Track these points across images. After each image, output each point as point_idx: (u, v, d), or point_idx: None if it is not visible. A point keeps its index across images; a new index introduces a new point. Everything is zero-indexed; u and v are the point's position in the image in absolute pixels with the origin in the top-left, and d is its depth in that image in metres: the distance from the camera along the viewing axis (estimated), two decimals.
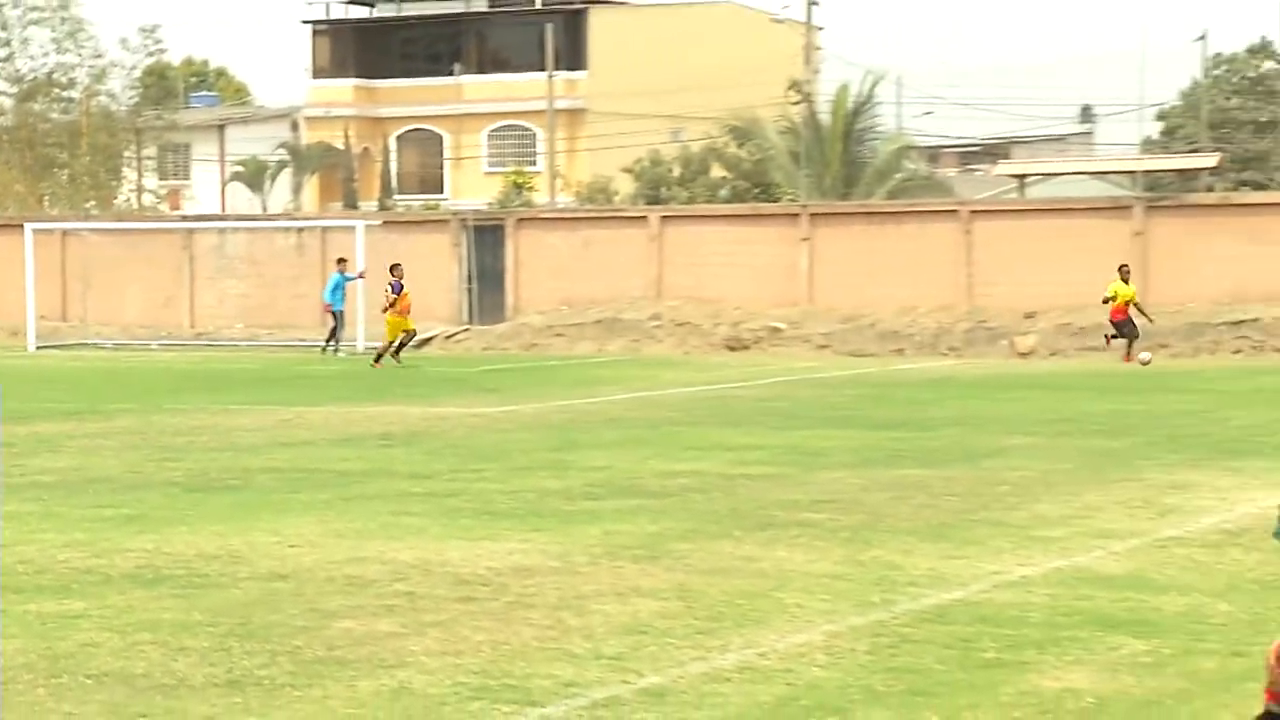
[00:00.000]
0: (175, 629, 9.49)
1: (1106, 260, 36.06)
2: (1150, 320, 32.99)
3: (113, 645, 9.05)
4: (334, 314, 37.44)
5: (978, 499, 14.44)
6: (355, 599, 10.34)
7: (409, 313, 33.19)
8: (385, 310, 33.31)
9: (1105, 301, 32.61)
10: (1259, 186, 62.21)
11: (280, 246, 43.25)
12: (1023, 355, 35.27)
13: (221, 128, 74.38)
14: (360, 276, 38.19)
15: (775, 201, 47.35)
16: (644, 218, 40.95)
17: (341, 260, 38.26)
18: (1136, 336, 32.35)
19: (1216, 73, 71.44)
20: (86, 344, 42.60)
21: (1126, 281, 32.55)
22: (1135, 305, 32.49)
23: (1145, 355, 31.48)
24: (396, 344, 33.10)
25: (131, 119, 64.93)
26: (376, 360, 32.89)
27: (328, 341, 37.43)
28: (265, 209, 65.99)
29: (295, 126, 73.61)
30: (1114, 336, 32.70)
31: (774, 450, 18.22)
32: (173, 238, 44.80)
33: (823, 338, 37.09)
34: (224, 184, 71.34)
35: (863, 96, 47.64)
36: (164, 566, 11.40)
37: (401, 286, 33.11)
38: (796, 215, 39.32)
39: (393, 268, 33.88)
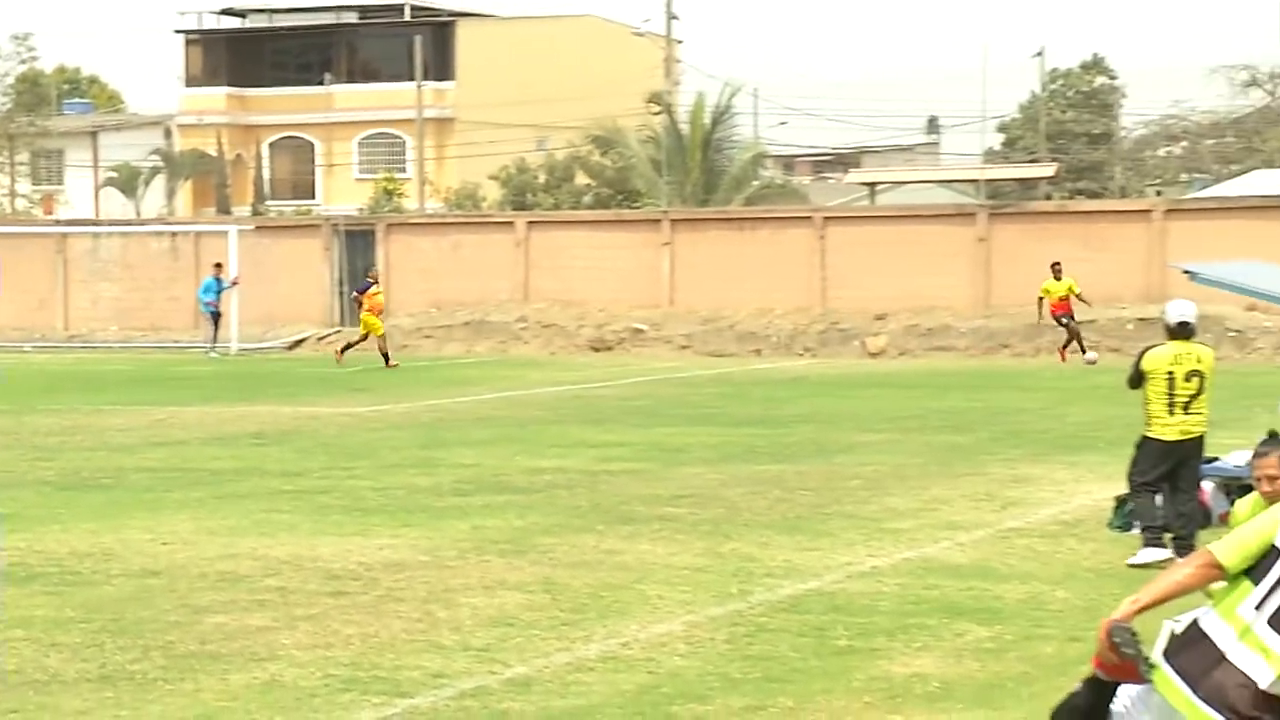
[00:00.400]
0: (48, 625, 9.31)
1: (952, 264, 36.53)
2: (1088, 304, 31.99)
3: None
4: (211, 316, 37.00)
5: (831, 493, 14.55)
6: (227, 594, 10.21)
7: (380, 313, 33.25)
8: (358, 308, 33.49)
9: (1040, 301, 31.72)
10: (1093, 195, 63.40)
11: (154, 250, 42.58)
12: (874, 355, 35.63)
13: (95, 134, 73.08)
14: (234, 283, 37.71)
15: (638, 208, 47.43)
16: (511, 223, 40.82)
17: (218, 265, 37.79)
18: (1078, 334, 31.54)
19: (1053, 87, 72.72)
20: None
21: (1058, 278, 31.56)
22: (1077, 296, 31.37)
23: (1091, 355, 30.70)
24: (347, 344, 33.13)
25: (4, 125, 63.65)
26: (341, 352, 33.23)
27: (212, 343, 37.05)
28: (139, 214, 64.95)
29: (168, 134, 72.54)
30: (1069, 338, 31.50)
31: (636, 447, 18.25)
32: (46, 241, 43.95)
33: (683, 339, 37.21)
34: (98, 189, 70.12)
35: (721, 107, 47.86)
36: (37, 564, 11.18)
37: (369, 285, 33.27)
38: (658, 221, 39.40)
39: (367, 269, 35.04)
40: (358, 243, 41.45)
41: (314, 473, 16.16)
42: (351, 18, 71.46)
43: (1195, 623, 4.96)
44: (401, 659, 8.67)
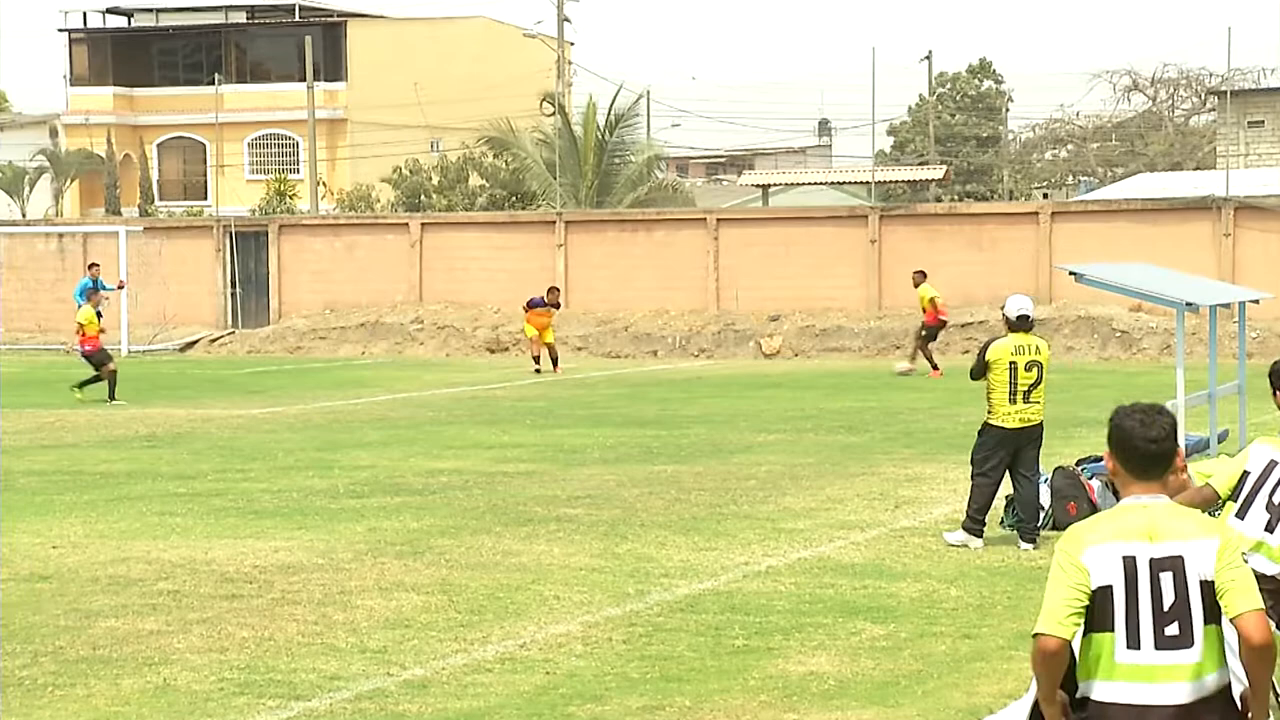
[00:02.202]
0: None
1: (845, 266, 36.80)
2: (938, 317, 29.85)
3: None
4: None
5: (727, 493, 14.61)
6: (119, 598, 10.08)
7: (542, 328, 31.05)
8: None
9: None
10: (981, 197, 64.19)
11: (41, 251, 41.94)
12: (768, 356, 35.82)
13: None
14: (120, 286, 37.10)
15: (532, 209, 47.37)
16: (405, 224, 40.62)
17: (93, 265, 37.13)
18: (923, 346, 29.41)
19: (941, 91, 73.49)
20: None
21: (917, 285, 30.01)
22: (932, 307, 29.40)
23: (902, 365, 29.49)
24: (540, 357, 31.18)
25: None
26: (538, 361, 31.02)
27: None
28: (24, 215, 63.97)
29: (54, 133, 71.48)
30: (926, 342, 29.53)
31: (533, 448, 18.23)
32: None
33: (579, 339, 37.21)
34: None
35: (619, 110, 47.91)
36: None
37: (541, 303, 31.05)
38: (552, 222, 39.38)
39: (551, 289, 31.94)
40: (249, 244, 41.09)
41: (208, 475, 16.00)
42: (240, 17, 70.85)
43: None
44: (297, 662, 8.60)
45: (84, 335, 24.84)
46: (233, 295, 40.77)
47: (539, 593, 10.26)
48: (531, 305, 31.39)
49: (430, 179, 56.03)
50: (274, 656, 8.70)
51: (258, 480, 15.61)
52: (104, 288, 36.59)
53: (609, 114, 48.11)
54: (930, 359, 29.06)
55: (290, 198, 59.07)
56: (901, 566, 11.24)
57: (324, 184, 59.84)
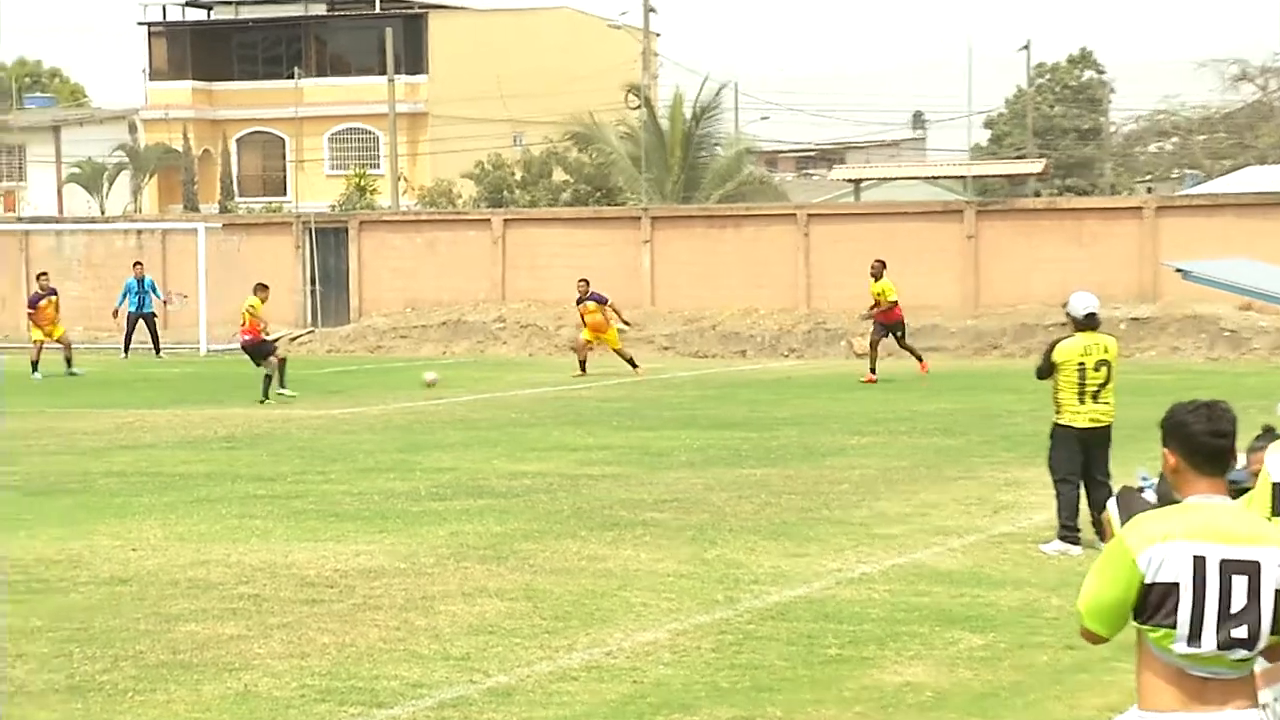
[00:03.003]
0: (14, 635, 9.26)
1: (940, 263, 36.56)
2: (873, 314, 27.73)
3: None
4: (142, 317, 36.55)
5: (819, 497, 14.55)
6: (199, 602, 10.18)
7: (598, 330, 29.77)
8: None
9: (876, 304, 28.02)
10: (1082, 192, 63.56)
11: (119, 249, 42.45)
12: (860, 356, 35.64)
13: (57, 129, 72.84)
14: (166, 302, 37.37)
15: (617, 205, 47.42)
16: (487, 221, 40.78)
17: (137, 264, 37.51)
18: (874, 347, 27.87)
19: (1040, 81, 72.87)
20: None
21: (876, 278, 27.88)
22: (882, 304, 27.75)
23: (430, 375, 26.62)
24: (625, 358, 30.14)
25: None
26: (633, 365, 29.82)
27: (155, 346, 36.67)
28: (103, 212, 64.77)
29: (133, 129, 72.34)
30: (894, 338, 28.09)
31: (618, 450, 18.24)
32: (8, 240, 43.81)
33: (665, 339, 37.19)
34: (60, 186, 69.89)
35: (704, 102, 47.87)
36: (1, 572, 11.13)
37: (602, 298, 29.86)
38: (638, 218, 39.39)
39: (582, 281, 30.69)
40: (329, 240, 41.39)
41: (288, 477, 16.13)
42: (320, 9, 71.37)
43: None
44: (379, 668, 8.64)
45: (248, 324, 25.03)
46: (312, 293, 41.09)
47: (625, 599, 10.26)
48: (598, 301, 30.18)
49: (513, 174, 56.23)
50: (355, 663, 8.75)
51: (338, 482, 15.72)
52: (154, 289, 36.86)
53: (695, 106, 48.09)
54: (874, 362, 27.55)
55: (370, 193, 59.48)
56: (1000, 574, 11.15)
57: (405, 179, 60.21)
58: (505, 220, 40.57)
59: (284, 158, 70.71)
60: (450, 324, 38.99)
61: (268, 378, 24.84)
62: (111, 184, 68.76)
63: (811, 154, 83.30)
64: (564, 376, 29.13)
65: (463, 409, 23.82)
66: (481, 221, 40.91)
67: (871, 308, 28.40)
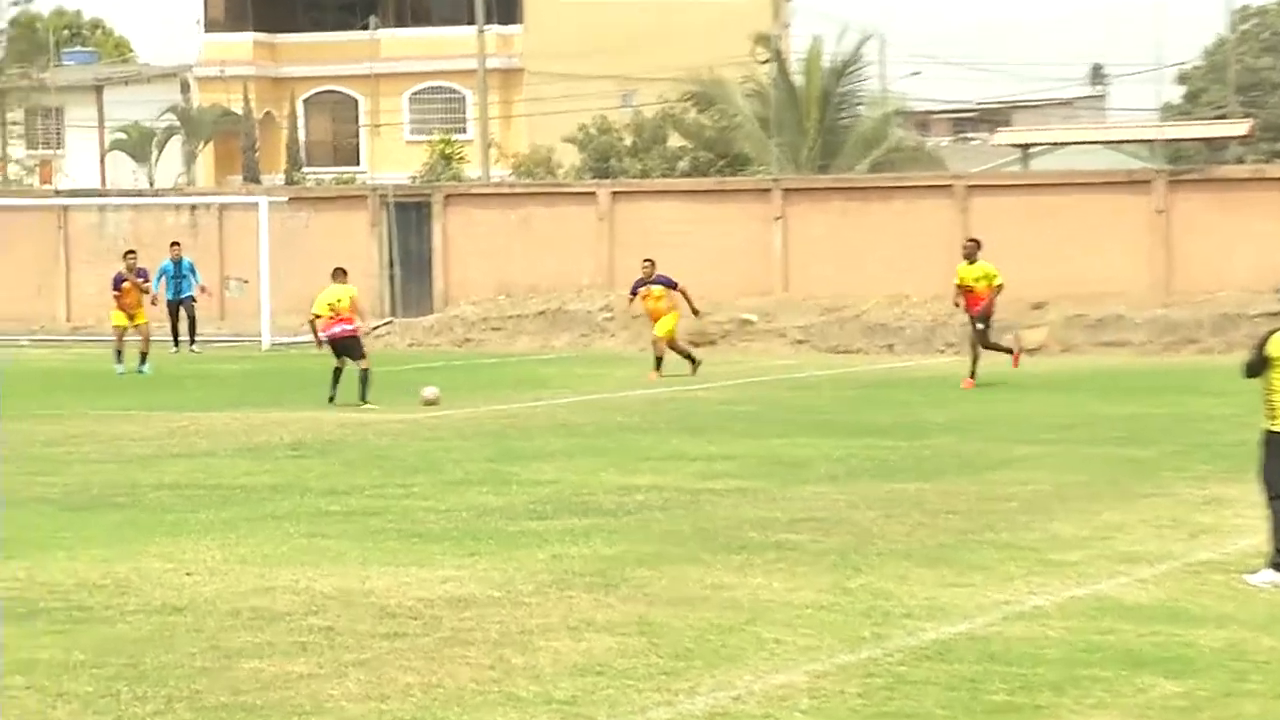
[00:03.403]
0: (54, 671, 9.41)
1: (1124, 242, 36.22)
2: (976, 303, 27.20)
3: None
4: (181, 303, 36.91)
5: (982, 517, 14.47)
6: (264, 635, 10.28)
7: (657, 317, 29.59)
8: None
9: (958, 291, 27.73)
10: None
11: (170, 226, 43.03)
12: (1030, 352, 35.38)
13: (99, 89, 73.98)
14: (204, 290, 37.69)
15: (743, 175, 47.39)
16: (592, 193, 40.92)
17: (175, 244, 37.82)
18: (983, 347, 27.39)
19: (1244, 28, 71.93)
20: None
21: (970, 260, 27.59)
22: (993, 289, 27.33)
23: (430, 391, 25.17)
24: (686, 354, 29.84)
25: None
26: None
27: (185, 338, 36.97)
28: (152, 183, 65.70)
29: (186, 88, 73.29)
30: (982, 334, 27.58)
31: (746, 461, 18.23)
32: (44, 216, 44.55)
33: (800, 331, 37.15)
34: (103, 154, 70.97)
35: (845, 55, 47.74)
36: (39, 598, 11.31)
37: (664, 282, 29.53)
38: (768, 190, 39.34)
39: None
40: (410, 217, 41.71)
41: (364, 490, 16.26)
42: None
43: None
44: (469, 713, 8.69)
45: (335, 317, 25.17)
46: (390, 278, 41.43)
47: (756, 635, 10.25)
48: (666, 285, 29.74)
49: (622, 139, 56.38)
50: (443, 707, 8.81)
51: (422, 497, 15.83)
52: (193, 272, 37.20)
53: (834, 60, 47.93)
54: (976, 360, 27.08)
55: (457, 162, 59.89)
56: (1200, 609, 11.04)
57: (496, 145, 60.56)
58: (613, 193, 40.68)
59: (357, 121, 71.34)
60: (549, 314, 39.16)
61: (366, 374, 25.06)
62: (161, 151, 69.72)
63: (971, 115, 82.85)
64: (683, 375, 29.14)
65: (565, 412, 23.89)
66: (585, 195, 41.06)
67: (962, 298, 27.61)
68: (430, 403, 24.81)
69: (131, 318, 32.21)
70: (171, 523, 14.51)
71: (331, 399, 24.80)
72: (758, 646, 10.00)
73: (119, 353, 31.92)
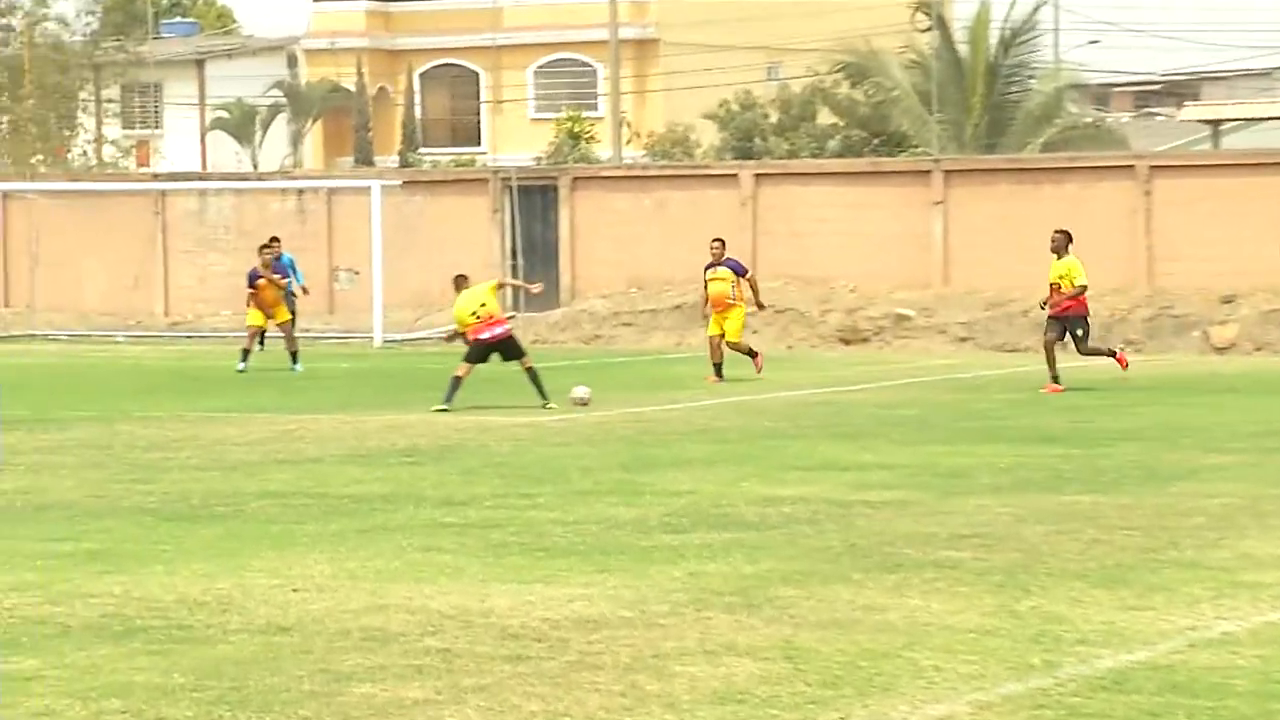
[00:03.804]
0: (151, 694, 9.55)
1: None
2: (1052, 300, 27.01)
3: (73, 715, 9.12)
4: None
5: (1165, 534, 14.36)
6: (376, 657, 10.39)
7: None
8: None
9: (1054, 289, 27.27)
10: None
11: (275, 212, 43.52)
12: (1220, 350, 35.05)
13: (201, 63, 74.87)
14: (305, 291, 37.58)
15: (900, 155, 47.23)
16: (734, 176, 40.95)
17: (274, 240, 37.13)
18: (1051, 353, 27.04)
19: None
20: (35, 335, 43.01)
21: (1059, 255, 27.25)
22: (1058, 287, 27.11)
23: (581, 391, 25.59)
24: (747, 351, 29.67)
25: (88, 52, 65.36)
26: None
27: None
28: (256, 165, 66.43)
29: (293, 62, 73.98)
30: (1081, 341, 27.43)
31: (902, 471, 18.19)
32: (140, 202, 45.19)
33: (962, 328, 37.00)
34: (204, 134, 71.83)
35: (1015, 23, 47.46)
36: (136, 615, 11.48)
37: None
38: (928, 172, 39.20)
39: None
40: (534, 202, 41.94)
41: (484, 501, 16.37)
42: None
43: None
44: None
45: (486, 320, 25.31)
46: (513, 268, 41.65)
47: (913, 661, 10.23)
48: (737, 272, 29.12)
49: (766, 116, 56.34)
50: None
51: (547, 508, 15.91)
52: (293, 269, 37.09)
53: (1004, 28, 47.67)
54: (1055, 367, 26.74)
55: (586, 141, 60.11)
56: None
57: (629, 124, 60.68)
58: (756, 175, 40.69)
59: (478, 97, 71.73)
60: (686, 308, 39.21)
61: (534, 373, 25.25)
62: (265, 131, 70.44)
63: (1155, 88, 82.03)
64: (831, 375, 29.07)
65: (704, 416, 23.91)
66: (726, 177, 41.09)
67: (1049, 297, 27.27)
68: (582, 403, 25.04)
69: (271, 316, 32.46)
70: (277, 535, 14.68)
71: (446, 409, 24.65)
72: (914, 674, 9.98)
73: (246, 351, 32.22)
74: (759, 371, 29.07)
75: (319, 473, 18.43)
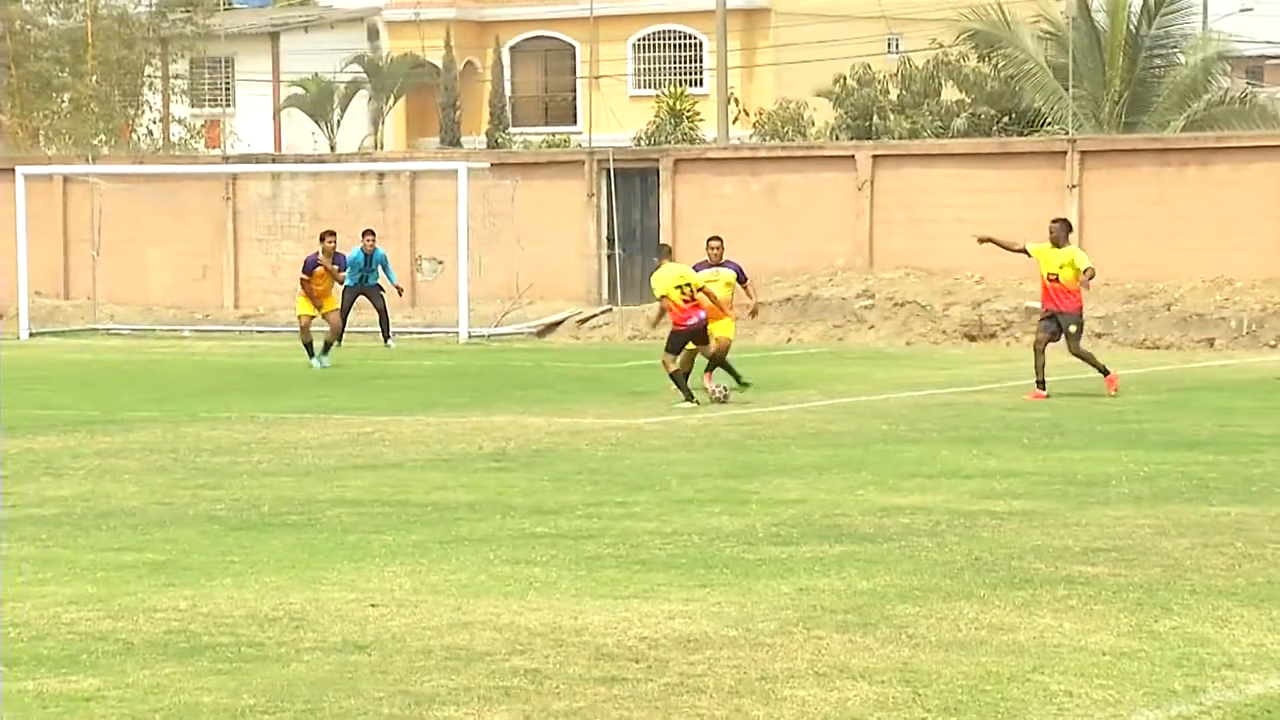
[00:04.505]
0: (220, 716, 9.63)
1: None
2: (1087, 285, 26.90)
3: None
4: (364, 291, 37.08)
5: None
6: (460, 678, 10.44)
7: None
8: None
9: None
10: None
11: (354, 197, 43.76)
12: None
13: (275, 36, 75.28)
14: (400, 291, 37.63)
15: (1032, 134, 47.02)
16: (850, 157, 40.89)
17: (368, 234, 37.24)
18: (1052, 337, 26.63)
19: None
20: (97, 329, 43.40)
21: (1056, 244, 26.69)
22: (1059, 279, 26.51)
23: (717, 387, 25.96)
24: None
25: (154, 25, 65.82)
26: None
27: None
28: (334, 147, 66.78)
29: (374, 34, 74.30)
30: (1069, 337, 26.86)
31: (1032, 479, 18.13)
32: (210, 186, 45.51)
33: (1100, 323, 36.80)
34: (278, 112, 72.24)
35: None
36: (203, 631, 11.58)
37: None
38: (1062, 153, 39.03)
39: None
40: (634, 185, 42.01)
41: (576, 510, 16.41)
42: None
43: None
44: None
45: (690, 304, 25.67)
46: (610, 258, 41.76)
47: (1042, 686, 10.21)
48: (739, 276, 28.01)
49: (886, 92, 56.15)
50: None
51: (644, 518, 15.93)
52: (385, 266, 37.18)
53: None
54: (1043, 372, 26.21)
55: (690, 120, 60.09)
56: None
57: (737, 101, 60.65)
58: (875, 156, 40.62)
59: (574, 73, 71.84)
60: (797, 301, 39.22)
61: (725, 367, 25.73)
62: (345, 110, 70.75)
63: None
64: (955, 374, 29.00)
65: (815, 419, 23.89)
66: (843, 159, 41.05)
67: (1043, 299, 26.85)
68: (720, 400, 25.77)
69: (319, 306, 32.79)
70: (353, 545, 14.75)
71: (691, 398, 25.07)
72: (1044, 700, 9.96)
73: (309, 345, 32.50)
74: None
75: (399, 479, 18.52)
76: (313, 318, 32.92)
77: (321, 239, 33.88)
